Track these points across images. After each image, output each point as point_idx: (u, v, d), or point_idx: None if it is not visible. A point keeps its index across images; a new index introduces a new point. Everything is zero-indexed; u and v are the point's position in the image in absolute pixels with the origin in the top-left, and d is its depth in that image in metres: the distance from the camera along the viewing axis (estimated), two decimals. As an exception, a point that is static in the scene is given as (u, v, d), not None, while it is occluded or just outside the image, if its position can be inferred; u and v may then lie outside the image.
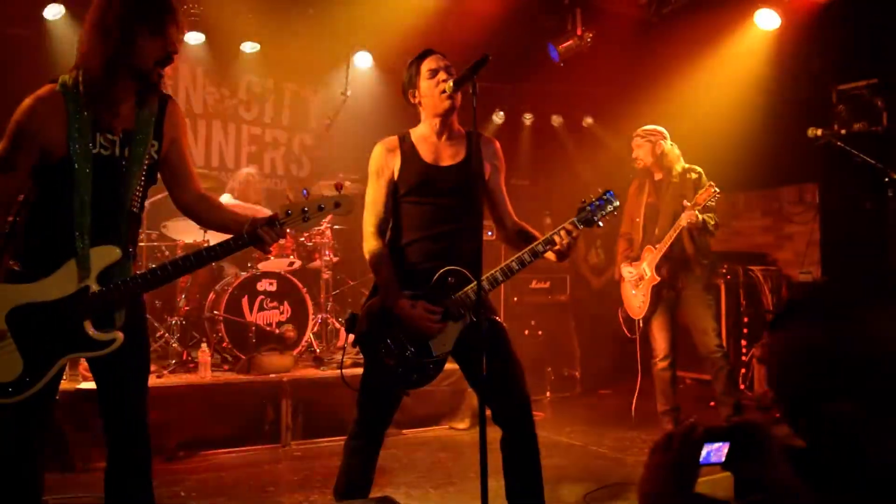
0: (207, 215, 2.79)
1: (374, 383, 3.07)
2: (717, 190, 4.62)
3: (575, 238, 3.02)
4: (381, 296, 3.01)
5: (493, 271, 3.01)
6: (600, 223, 3.08)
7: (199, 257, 2.55)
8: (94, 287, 2.44)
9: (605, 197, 3.10)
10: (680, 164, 4.96)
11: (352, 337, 3.07)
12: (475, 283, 2.85)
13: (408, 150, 3.11)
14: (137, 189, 2.55)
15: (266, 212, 6.37)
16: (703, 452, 1.31)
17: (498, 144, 3.29)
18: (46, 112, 2.42)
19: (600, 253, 7.81)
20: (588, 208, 3.07)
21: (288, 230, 2.64)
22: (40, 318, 2.39)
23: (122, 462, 2.65)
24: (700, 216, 4.64)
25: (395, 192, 3.11)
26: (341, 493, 3.09)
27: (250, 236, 2.56)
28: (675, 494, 1.27)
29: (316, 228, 6.20)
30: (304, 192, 2.67)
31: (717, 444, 1.32)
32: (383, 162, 3.10)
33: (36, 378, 2.39)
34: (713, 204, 4.69)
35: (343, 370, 3.24)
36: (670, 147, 4.98)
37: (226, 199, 6.63)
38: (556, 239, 2.99)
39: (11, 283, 2.44)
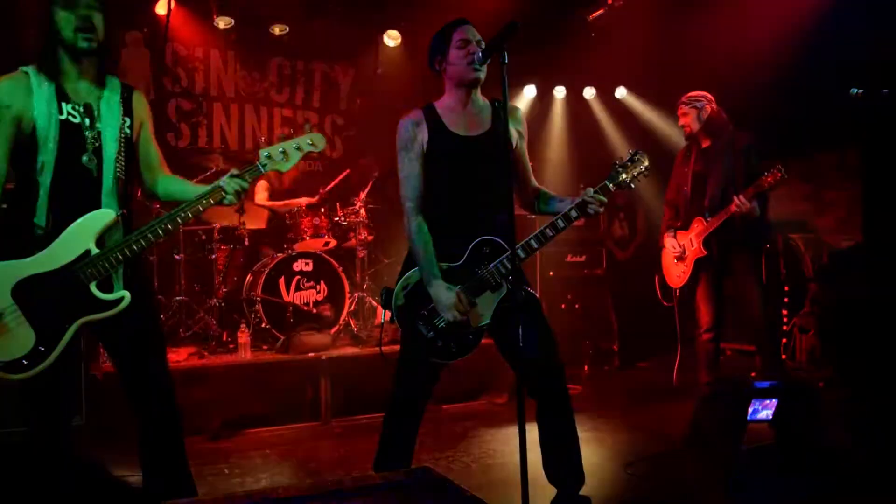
0: (174, 189, 2.92)
1: (411, 357, 3.09)
2: (785, 175, 4.49)
3: (607, 201, 3.04)
4: (422, 275, 3.01)
5: (527, 239, 3.01)
6: (632, 185, 3.11)
7: (173, 219, 2.66)
8: (95, 249, 2.55)
9: (635, 158, 3.11)
10: (728, 131, 4.86)
11: (388, 312, 3.08)
12: (510, 251, 2.86)
13: (434, 122, 3.08)
14: (120, 157, 2.69)
15: (300, 202, 6.46)
16: (751, 408, 1.29)
17: (521, 111, 3.28)
18: (14, 87, 2.60)
19: (624, 226, 7.75)
20: (619, 170, 3.10)
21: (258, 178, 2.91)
22: (47, 288, 2.49)
23: (157, 437, 2.75)
24: (750, 205, 4.53)
25: (425, 165, 3.08)
26: (381, 467, 3.11)
27: (212, 192, 2.71)
28: (722, 450, 1.26)
29: (350, 208, 6.23)
30: (282, 134, 2.90)
31: (765, 401, 1.30)
32: (411, 135, 3.07)
33: (50, 347, 2.48)
34: (776, 186, 4.57)
35: (382, 346, 3.26)
36: (718, 112, 4.89)
37: (261, 186, 6.68)
38: (590, 204, 2.99)
39: (12, 258, 2.52)
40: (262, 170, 2.80)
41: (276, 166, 2.81)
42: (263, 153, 2.80)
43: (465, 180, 3.06)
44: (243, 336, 5.24)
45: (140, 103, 2.84)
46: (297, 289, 5.69)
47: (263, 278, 5.56)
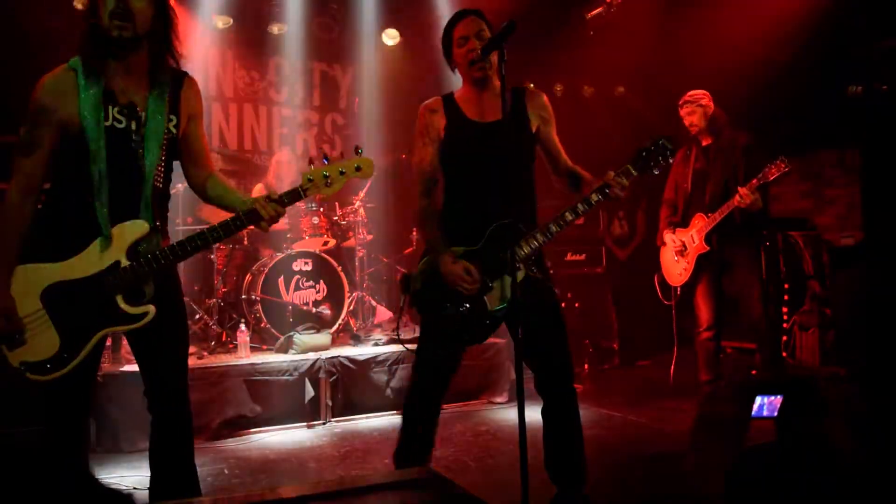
0: (214, 193, 2.79)
1: (429, 343, 3.10)
2: (789, 167, 4.50)
3: (628, 184, 3.02)
4: (430, 253, 3.05)
5: (547, 223, 3.00)
6: (656, 170, 3.07)
7: (204, 238, 2.59)
8: (125, 262, 2.50)
9: (660, 143, 3.07)
10: (729, 130, 4.88)
11: (407, 297, 3.12)
12: (527, 235, 2.96)
13: (452, 110, 3.13)
14: (160, 164, 2.58)
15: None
16: (756, 405, 1.27)
17: (545, 97, 3.26)
18: (61, 88, 2.49)
19: (624, 224, 7.73)
20: (643, 155, 3.06)
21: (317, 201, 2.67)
22: (74, 295, 2.47)
23: (165, 437, 2.71)
24: (754, 196, 4.55)
25: (442, 153, 3.13)
26: (401, 460, 3.13)
27: (247, 215, 2.59)
28: (725, 445, 1.25)
29: (349, 207, 6.22)
30: (325, 158, 2.73)
31: (770, 397, 1.29)
32: (427, 122, 3.13)
33: (73, 354, 2.47)
34: (781, 179, 4.59)
35: (399, 332, 3.31)
36: (719, 111, 4.92)
37: (258, 189, 6.68)
38: (611, 187, 2.98)
39: (43, 262, 2.50)
40: (302, 194, 2.66)
41: (318, 191, 2.67)
42: (306, 176, 2.65)
43: (482, 166, 3.07)
44: (243, 336, 5.24)
45: (190, 94, 2.69)
46: (297, 288, 5.68)
47: (263, 278, 5.56)
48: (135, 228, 2.53)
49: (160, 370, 2.67)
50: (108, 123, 2.50)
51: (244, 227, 2.66)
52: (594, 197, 2.99)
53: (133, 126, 2.54)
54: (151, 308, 2.54)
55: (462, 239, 3.04)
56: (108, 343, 4.76)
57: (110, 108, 2.51)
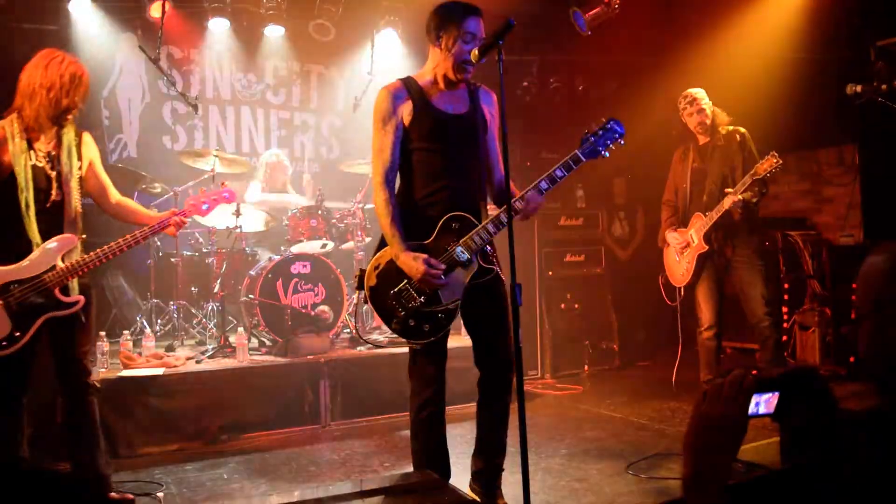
0: (125, 217, 3.67)
1: (417, 350, 3.10)
2: (780, 160, 4.50)
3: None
4: (391, 249, 3.01)
5: (497, 213, 2.97)
6: (605, 153, 3.04)
7: (119, 246, 3.41)
8: (60, 265, 3.32)
9: (608, 126, 3.04)
10: (724, 127, 4.87)
11: (362, 294, 3.09)
12: (479, 226, 2.96)
13: (418, 98, 3.05)
14: (76, 193, 3.43)
15: (294, 198, 6.49)
16: (752, 403, 1.25)
17: (495, 96, 3.24)
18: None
19: (624, 225, 7.71)
20: (591, 139, 3.02)
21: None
22: (22, 290, 3.25)
23: (74, 408, 3.43)
24: (742, 197, 4.54)
25: (405, 140, 3.06)
26: (420, 468, 3.18)
27: (159, 224, 3.53)
28: (722, 449, 1.22)
29: (347, 209, 6.20)
30: (224, 186, 3.87)
31: (766, 395, 1.26)
32: (390, 108, 3.03)
33: (24, 333, 3.24)
34: (773, 174, 4.57)
35: (357, 330, 3.27)
36: (716, 109, 4.92)
37: (254, 187, 6.68)
38: (559, 175, 2.99)
39: None
40: (187, 220, 3.69)
41: (197, 212, 3.76)
42: (188, 202, 3.74)
43: (445, 158, 3.04)
44: (241, 339, 5.22)
45: (87, 145, 3.57)
46: (295, 291, 5.66)
47: (261, 281, 5.53)
48: (67, 240, 3.35)
49: (73, 354, 3.40)
50: (32, 162, 3.32)
51: (153, 235, 3.61)
52: (544, 184, 3.02)
53: (52, 166, 3.38)
54: (81, 298, 3.38)
55: (415, 231, 3.01)
56: (106, 348, 4.76)
57: (32, 152, 3.34)
